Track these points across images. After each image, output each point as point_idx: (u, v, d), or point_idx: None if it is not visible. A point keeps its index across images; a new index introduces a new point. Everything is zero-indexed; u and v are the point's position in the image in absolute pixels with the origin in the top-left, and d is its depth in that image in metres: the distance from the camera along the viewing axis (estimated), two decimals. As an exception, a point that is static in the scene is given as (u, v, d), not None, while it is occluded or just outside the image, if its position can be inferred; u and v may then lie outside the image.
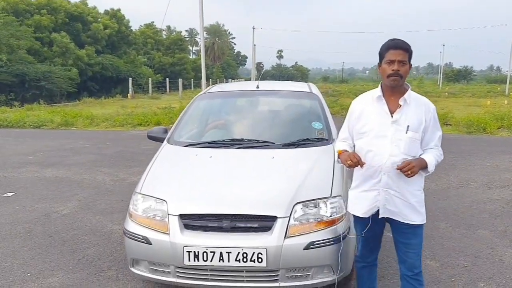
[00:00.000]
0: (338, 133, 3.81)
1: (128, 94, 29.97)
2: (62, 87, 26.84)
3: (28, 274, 3.55)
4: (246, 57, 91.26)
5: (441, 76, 51.88)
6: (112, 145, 10.14)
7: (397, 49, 2.33)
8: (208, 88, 4.84)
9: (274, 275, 2.70)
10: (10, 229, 4.56)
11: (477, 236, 4.30)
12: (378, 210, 2.47)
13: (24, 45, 26.55)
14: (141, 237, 2.83)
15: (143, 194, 3.04)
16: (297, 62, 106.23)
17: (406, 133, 2.36)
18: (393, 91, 2.41)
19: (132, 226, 2.93)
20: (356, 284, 2.88)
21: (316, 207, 2.83)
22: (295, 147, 3.52)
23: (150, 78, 34.90)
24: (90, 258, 3.86)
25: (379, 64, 2.44)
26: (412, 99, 2.41)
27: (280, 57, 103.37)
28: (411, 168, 2.27)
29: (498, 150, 9.00)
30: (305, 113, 4.22)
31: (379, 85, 2.49)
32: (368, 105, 2.50)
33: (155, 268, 2.86)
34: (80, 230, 4.54)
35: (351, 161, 2.37)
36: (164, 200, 2.89)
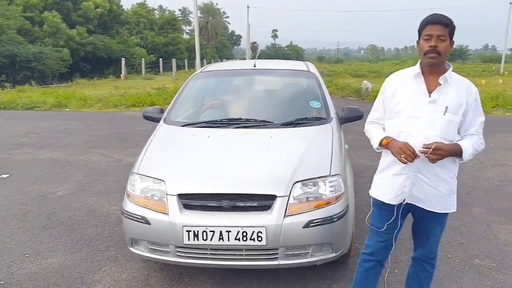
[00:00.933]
0: (336, 112, 3.81)
1: (121, 75, 29.64)
2: (53, 68, 26.49)
3: (27, 255, 3.55)
4: (241, 37, 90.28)
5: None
6: (106, 126, 10.06)
7: (435, 24, 2.14)
8: (204, 67, 4.77)
9: (273, 253, 2.71)
10: (6, 211, 4.53)
11: (473, 214, 4.35)
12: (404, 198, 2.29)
13: (14, 25, 26.01)
14: (139, 217, 2.82)
15: (140, 174, 3.02)
16: (292, 42, 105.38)
17: (444, 114, 2.17)
18: (433, 70, 2.21)
19: (130, 206, 2.92)
20: (354, 283, 2.66)
21: (315, 185, 2.82)
22: (294, 127, 3.50)
23: (143, 59, 34.46)
24: (88, 239, 3.85)
25: (418, 42, 2.25)
26: (453, 79, 2.22)
27: (275, 36, 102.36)
28: (436, 151, 2.09)
29: (493, 129, 9.03)
30: (303, 92, 4.19)
31: (418, 63, 2.29)
32: (403, 83, 2.30)
33: (155, 248, 2.86)
34: (77, 211, 4.53)
35: (405, 155, 2.13)
36: (162, 180, 2.88)
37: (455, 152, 2.18)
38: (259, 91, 4.33)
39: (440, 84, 2.20)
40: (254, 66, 4.39)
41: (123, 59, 30.38)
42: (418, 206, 2.30)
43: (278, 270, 3.16)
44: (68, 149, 7.45)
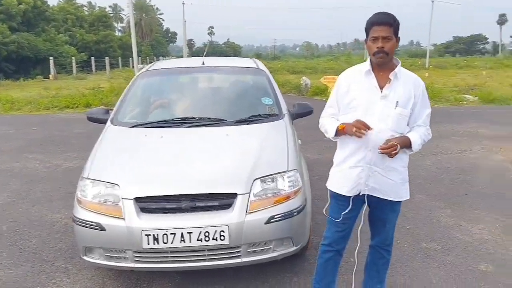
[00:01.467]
0: (287, 108, 3.86)
1: (50, 75, 27.89)
2: (-27, 69, 24.43)
3: (-37, 273, 3.25)
4: (176, 34, 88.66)
5: (367, 51, 53.95)
6: (39, 129, 9.43)
7: (380, 25, 2.23)
8: (149, 65, 4.63)
9: (236, 251, 2.71)
10: None
11: (416, 201, 4.61)
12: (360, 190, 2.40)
13: None
14: (94, 223, 2.69)
15: (91, 179, 2.88)
16: (229, 39, 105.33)
17: (395, 109, 2.29)
18: (382, 67, 2.32)
19: (82, 213, 2.78)
20: (315, 275, 2.71)
21: (273, 181, 2.85)
22: (248, 124, 3.49)
23: (73, 57, 32.72)
24: (32, 250, 3.61)
25: (366, 41, 2.34)
26: (402, 74, 2.34)
27: (211, 33, 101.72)
28: (391, 150, 2.22)
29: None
30: (254, 89, 4.20)
31: (368, 60, 2.38)
32: (356, 80, 2.39)
33: (111, 255, 2.75)
34: (17, 221, 4.22)
35: (356, 128, 2.22)
36: (116, 184, 2.77)
37: (406, 144, 2.31)
38: (210, 89, 4.28)
39: (391, 80, 2.31)
40: (203, 63, 4.32)
41: (51, 58, 28.63)
42: (373, 196, 2.41)
43: (239, 267, 3.16)
44: (0, 156, 6.90)
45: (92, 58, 36.70)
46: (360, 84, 2.37)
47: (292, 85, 16.45)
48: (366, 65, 2.38)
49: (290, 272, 3.18)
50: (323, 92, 15.19)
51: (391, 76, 2.31)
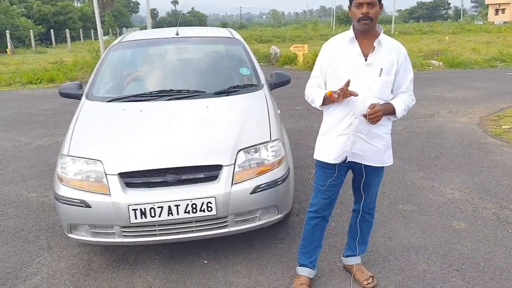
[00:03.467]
0: (265, 79, 3.86)
1: (7, 50, 26.59)
2: None
3: None
4: (138, 4, 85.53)
5: (334, 19, 53.80)
6: (3, 107, 9.07)
7: None
8: (121, 36, 4.47)
9: (223, 221, 2.75)
10: None
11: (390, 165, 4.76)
12: (346, 157, 2.45)
13: None
14: (78, 200, 2.67)
15: (72, 156, 2.82)
16: (193, 8, 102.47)
17: (380, 76, 2.31)
18: (366, 34, 2.33)
19: (65, 191, 2.74)
20: (302, 241, 2.76)
21: (257, 152, 2.88)
22: (227, 95, 3.48)
23: (31, 30, 31.11)
24: (12, 231, 3.54)
25: (349, 7, 2.33)
26: (385, 41, 2.35)
27: (175, 2, 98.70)
28: (376, 115, 2.27)
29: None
30: (231, 59, 4.15)
31: (351, 28, 2.37)
32: (340, 48, 2.39)
33: (98, 231, 2.74)
34: (-9, 202, 4.11)
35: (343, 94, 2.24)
36: (98, 160, 2.73)
37: (389, 110, 2.35)
38: (187, 60, 4.19)
39: (375, 47, 2.33)
40: (177, 34, 4.21)
41: (7, 31, 27.14)
42: (358, 162, 2.47)
43: (225, 237, 3.21)
44: (-37, 136, 6.62)
45: (51, 30, 35.10)
46: (344, 52, 2.38)
47: (262, 55, 16.31)
48: (350, 33, 2.38)
49: (274, 239, 3.27)
50: (293, 61, 15.20)
51: (375, 43, 2.32)
